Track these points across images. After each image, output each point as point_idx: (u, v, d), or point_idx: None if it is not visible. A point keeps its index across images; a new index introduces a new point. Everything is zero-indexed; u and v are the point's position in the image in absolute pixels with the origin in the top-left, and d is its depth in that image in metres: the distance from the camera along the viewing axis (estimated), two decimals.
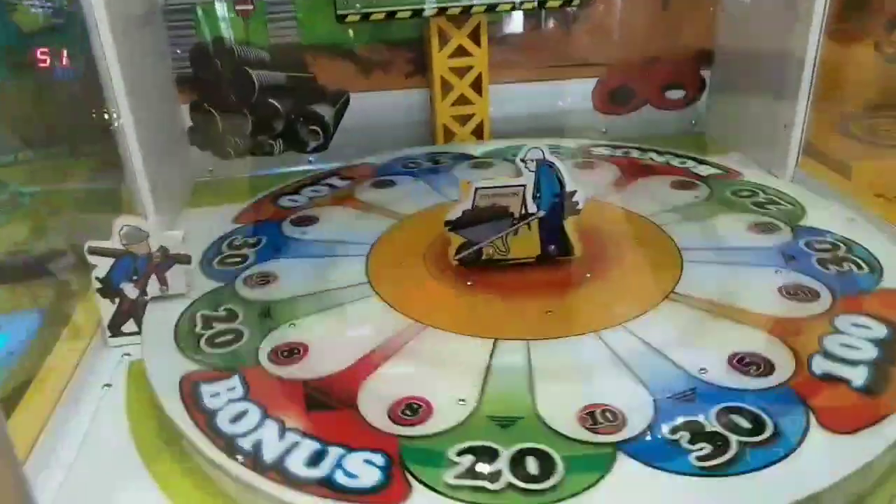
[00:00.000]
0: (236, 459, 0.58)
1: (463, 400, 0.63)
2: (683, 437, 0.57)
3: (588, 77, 1.30)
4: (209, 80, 1.21)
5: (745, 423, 0.58)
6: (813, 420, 0.59)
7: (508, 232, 0.79)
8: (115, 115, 0.94)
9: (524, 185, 0.76)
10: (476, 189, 0.76)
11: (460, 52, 1.19)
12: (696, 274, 0.80)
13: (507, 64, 1.25)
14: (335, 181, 1.11)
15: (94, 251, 0.76)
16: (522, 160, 0.76)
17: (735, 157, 1.18)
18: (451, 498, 0.53)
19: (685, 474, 0.55)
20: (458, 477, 0.55)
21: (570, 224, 0.79)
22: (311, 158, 1.28)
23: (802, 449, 0.56)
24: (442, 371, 0.68)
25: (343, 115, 1.27)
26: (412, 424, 0.60)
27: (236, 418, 0.62)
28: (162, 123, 1.12)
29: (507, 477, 0.54)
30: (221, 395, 0.65)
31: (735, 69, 1.25)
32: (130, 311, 0.79)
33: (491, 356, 0.68)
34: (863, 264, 0.80)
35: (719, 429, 0.58)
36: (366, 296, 0.80)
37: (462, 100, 1.22)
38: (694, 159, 1.14)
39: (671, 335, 0.70)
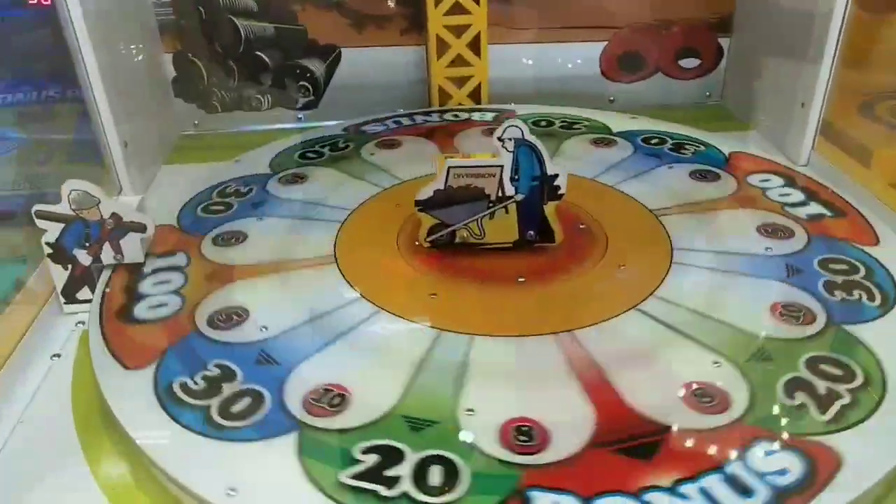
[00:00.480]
0: None
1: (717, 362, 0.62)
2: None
3: (595, 40, 1.22)
4: (194, 29, 1.15)
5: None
6: None
7: (484, 215, 0.73)
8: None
9: (501, 166, 0.70)
10: (449, 168, 0.70)
11: (458, 9, 1.11)
12: (641, 188, 0.89)
13: (508, 23, 1.17)
14: (163, 263, 0.79)
15: (41, 215, 0.72)
16: (500, 139, 0.70)
17: (750, 136, 1.11)
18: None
19: None
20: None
21: (550, 209, 0.73)
22: (300, 116, 1.23)
23: None
24: None
25: (334, 71, 1.20)
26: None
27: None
28: (140, 71, 1.07)
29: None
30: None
31: (756, 38, 1.16)
32: (84, 278, 0.76)
33: None
34: (699, 146, 1.01)
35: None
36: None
37: (459, 60, 1.15)
38: (468, 110, 1.14)
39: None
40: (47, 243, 0.73)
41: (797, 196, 0.87)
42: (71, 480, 0.57)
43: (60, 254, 0.74)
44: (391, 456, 0.53)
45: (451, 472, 0.52)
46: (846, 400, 0.56)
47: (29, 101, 1.07)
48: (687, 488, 0.50)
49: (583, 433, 0.54)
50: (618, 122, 1.09)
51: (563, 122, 1.10)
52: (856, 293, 0.68)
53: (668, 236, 0.79)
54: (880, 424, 0.55)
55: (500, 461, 0.52)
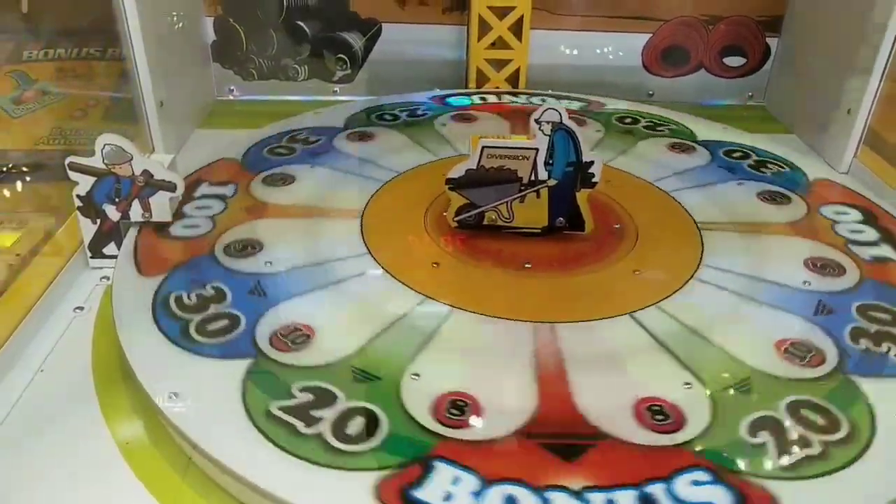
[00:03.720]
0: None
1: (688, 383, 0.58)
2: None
3: (639, 32, 1.20)
4: None
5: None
6: None
7: (515, 198, 0.72)
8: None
9: (536, 149, 0.69)
10: (483, 147, 0.69)
11: None
12: (688, 200, 0.85)
13: (551, 8, 1.16)
14: (211, 190, 0.84)
15: (74, 167, 0.72)
16: (537, 121, 0.68)
17: (790, 140, 1.08)
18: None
19: None
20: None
21: (582, 197, 0.72)
22: (336, 89, 1.22)
23: None
24: None
25: (373, 46, 1.19)
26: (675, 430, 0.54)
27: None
28: (180, 33, 1.07)
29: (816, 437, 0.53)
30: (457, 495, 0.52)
31: (805, 40, 1.14)
32: (112, 234, 0.76)
33: None
34: (783, 165, 0.94)
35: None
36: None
37: (500, 43, 1.14)
38: (539, 94, 1.11)
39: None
40: (78, 196, 0.73)
41: (869, 234, 0.79)
42: (86, 431, 0.58)
43: (90, 208, 0.74)
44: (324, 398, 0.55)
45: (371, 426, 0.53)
46: (814, 451, 0.52)
47: (69, 57, 1.07)
48: (594, 496, 0.48)
49: (517, 420, 0.54)
50: (708, 131, 1.03)
51: (648, 122, 1.05)
52: (885, 346, 0.62)
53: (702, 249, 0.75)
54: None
55: (422, 427, 0.53)
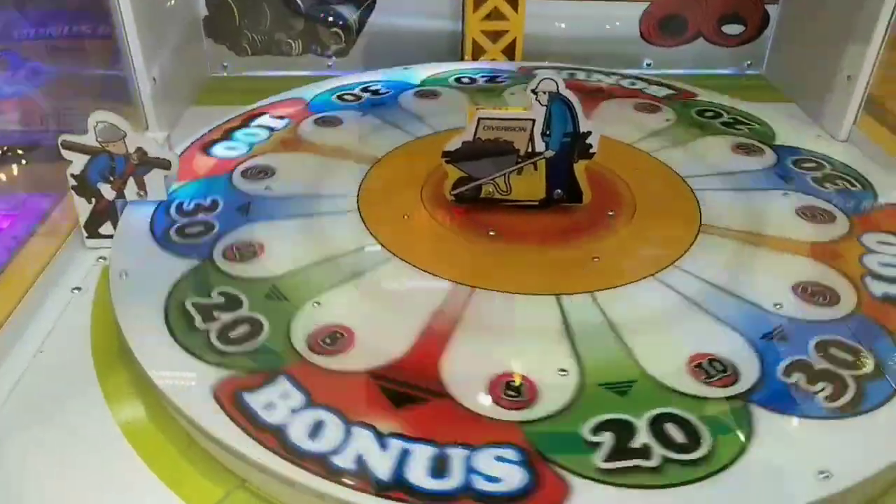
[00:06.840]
0: (344, 483, 0.48)
1: (564, 370, 0.56)
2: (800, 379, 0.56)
3: (636, 1, 1.18)
4: None
5: (847, 356, 0.58)
6: None
7: (512, 170, 0.72)
8: None
9: (533, 120, 0.68)
10: (479, 119, 0.68)
11: None
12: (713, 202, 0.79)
13: None
14: (270, 122, 0.95)
15: (67, 146, 0.71)
16: (534, 91, 0.67)
17: (789, 109, 1.07)
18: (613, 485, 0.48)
19: (822, 418, 0.53)
20: (609, 459, 0.49)
21: (579, 168, 0.71)
22: (330, 63, 1.21)
23: None
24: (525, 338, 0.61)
25: (368, 18, 1.18)
26: (521, 407, 0.53)
27: (314, 432, 0.51)
28: (172, 8, 1.06)
29: (659, 450, 0.50)
30: (279, 406, 0.53)
31: (805, 6, 1.12)
32: (107, 213, 0.75)
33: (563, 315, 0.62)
34: (854, 182, 0.83)
35: (827, 366, 0.57)
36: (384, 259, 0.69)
37: (496, 13, 1.12)
38: (641, 79, 1.08)
39: (728, 272, 0.68)
40: (72, 175, 0.73)
41: None
42: (87, 411, 0.58)
43: (85, 187, 0.73)
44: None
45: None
46: (650, 462, 0.49)
47: (60, 36, 1.06)
48: (394, 442, 0.51)
49: (377, 359, 0.58)
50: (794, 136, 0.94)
51: (728, 117, 0.98)
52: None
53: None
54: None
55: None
